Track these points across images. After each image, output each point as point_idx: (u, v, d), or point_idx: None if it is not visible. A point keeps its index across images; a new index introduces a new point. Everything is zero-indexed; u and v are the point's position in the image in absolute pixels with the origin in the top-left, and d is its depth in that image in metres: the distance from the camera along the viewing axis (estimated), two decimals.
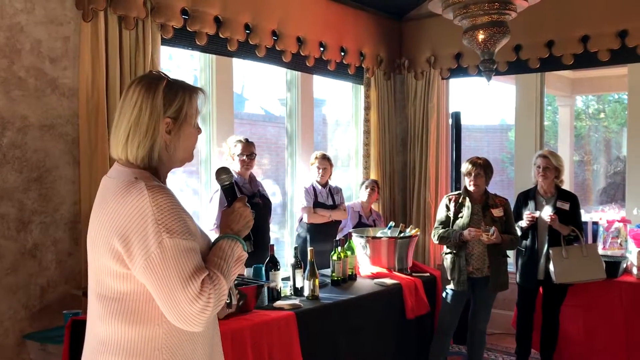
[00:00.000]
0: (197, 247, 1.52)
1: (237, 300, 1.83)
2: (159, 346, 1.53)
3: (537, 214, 4.38)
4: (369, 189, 5.14)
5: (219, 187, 4.02)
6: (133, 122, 1.55)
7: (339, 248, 4.12)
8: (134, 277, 1.50)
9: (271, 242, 3.95)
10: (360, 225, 5.01)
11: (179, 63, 5.88)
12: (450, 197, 4.32)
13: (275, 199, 5.12)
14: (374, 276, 4.32)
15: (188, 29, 4.00)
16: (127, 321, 1.52)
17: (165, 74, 1.65)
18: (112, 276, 1.52)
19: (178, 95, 1.59)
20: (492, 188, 4.38)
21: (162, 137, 1.57)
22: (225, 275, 1.53)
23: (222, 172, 1.77)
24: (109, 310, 1.54)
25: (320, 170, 4.83)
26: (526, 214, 4.38)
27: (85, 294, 3.34)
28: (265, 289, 3.44)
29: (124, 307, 1.52)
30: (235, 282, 3.23)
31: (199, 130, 1.68)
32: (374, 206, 5.38)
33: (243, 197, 1.72)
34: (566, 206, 4.39)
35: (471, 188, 4.19)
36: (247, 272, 3.52)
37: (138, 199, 1.47)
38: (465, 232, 4.07)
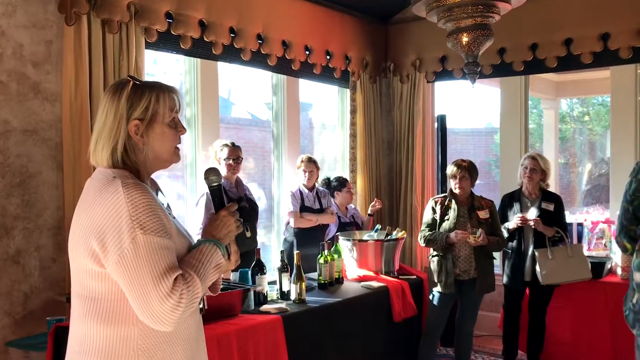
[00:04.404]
0: (171, 246, 1.51)
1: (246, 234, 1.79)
2: (135, 347, 1.52)
3: (527, 215, 4.41)
4: (349, 192, 5.11)
5: (205, 191, 4.04)
6: (100, 127, 1.60)
7: (326, 251, 4.12)
8: (110, 276, 1.50)
9: (257, 246, 3.94)
10: (341, 225, 4.99)
11: (165, 68, 5.85)
12: (436, 199, 4.33)
13: (260, 203, 5.10)
14: (361, 279, 4.32)
15: (172, 32, 3.98)
16: (103, 321, 1.52)
17: (136, 78, 1.65)
18: (89, 275, 1.53)
19: (144, 96, 1.59)
20: (478, 190, 4.40)
21: (131, 139, 1.58)
22: (200, 278, 1.51)
23: (211, 172, 1.75)
24: (86, 309, 1.54)
25: (307, 174, 4.83)
26: (517, 216, 4.40)
27: (69, 300, 3.31)
28: (252, 293, 3.43)
29: (100, 307, 1.52)
30: (222, 285, 3.23)
31: (180, 130, 1.67)
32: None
33: (232, 205, 1.70)
34: (551, 207, 4.43)
35: (456, 190, 4.20)
36: (233, 276, 3.51)
37: (114, 196, 1.48)
38: (452, 235, 4.08)
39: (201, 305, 1.68)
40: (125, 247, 1.45)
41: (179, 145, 1.69)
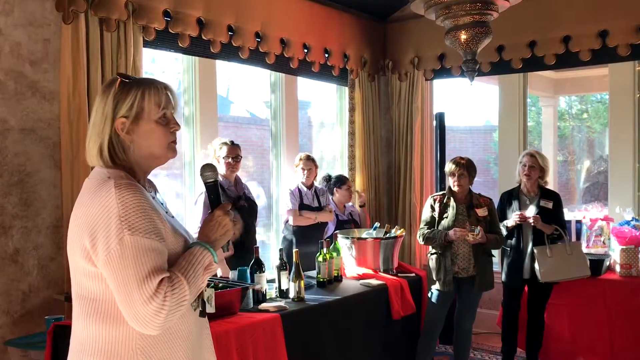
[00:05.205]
0: (161, 248, 1.50)
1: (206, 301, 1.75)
2: (134, 347, 1.52)
3: (526, 213, 4.41)
4: (348, 190, 5.13)
5: (203, 189, 4.03)
6: (91, 126, 1.61)
7: (325, 249, 4.11)
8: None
9: (256, 244, 3.94)
10: (339, 223, 4.99)
11: (163, 66, 5.84)
12: (434, 197, 4.33)
13: (259, 201, 5.10)
14: (360, 277, 4.32)
15: (170, 31, 3.97)
16: (102, 321, 1.52)
17: (125, 75, 1.64)
18: (85, 275, 1.53)
19: (130, 94, 1.59)
20: (477, 188, 4.40)
21: (119, 136, 1.58)
22: (188, 280, 1.50)
23: (207, 168, 1.74)
24: (85, 309, 1.54)
25: (305, 172, 4.82)
26: (516, 214, 4.40)
27: (67, 299, 3.31)
28: (250, 291, 3.42)
29: (98, 307, 1.52)
30: (220, 284, 3.23)
31: (172, 127, 1.65)
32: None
33: (226, 204, 1.68)
34: (549, 204, 4.43)
35: (455, 188, 4.20)
36: (232, 274, 3.51)
37: (106, 196, 1.48)
38: (451, 233, 4.08)
39: (201, 308, 1.65)
40: (112, 247, 1.44)
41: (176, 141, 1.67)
